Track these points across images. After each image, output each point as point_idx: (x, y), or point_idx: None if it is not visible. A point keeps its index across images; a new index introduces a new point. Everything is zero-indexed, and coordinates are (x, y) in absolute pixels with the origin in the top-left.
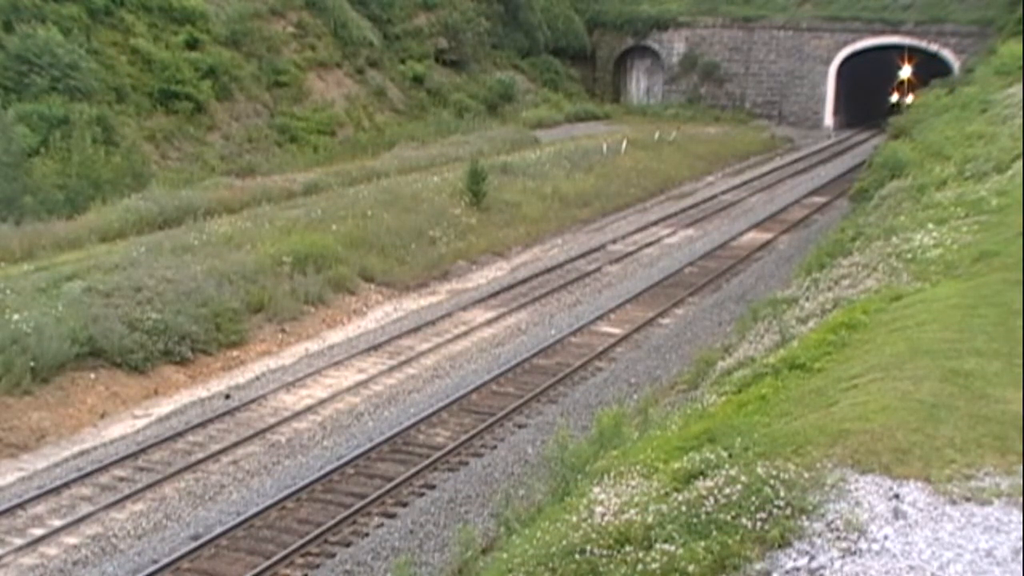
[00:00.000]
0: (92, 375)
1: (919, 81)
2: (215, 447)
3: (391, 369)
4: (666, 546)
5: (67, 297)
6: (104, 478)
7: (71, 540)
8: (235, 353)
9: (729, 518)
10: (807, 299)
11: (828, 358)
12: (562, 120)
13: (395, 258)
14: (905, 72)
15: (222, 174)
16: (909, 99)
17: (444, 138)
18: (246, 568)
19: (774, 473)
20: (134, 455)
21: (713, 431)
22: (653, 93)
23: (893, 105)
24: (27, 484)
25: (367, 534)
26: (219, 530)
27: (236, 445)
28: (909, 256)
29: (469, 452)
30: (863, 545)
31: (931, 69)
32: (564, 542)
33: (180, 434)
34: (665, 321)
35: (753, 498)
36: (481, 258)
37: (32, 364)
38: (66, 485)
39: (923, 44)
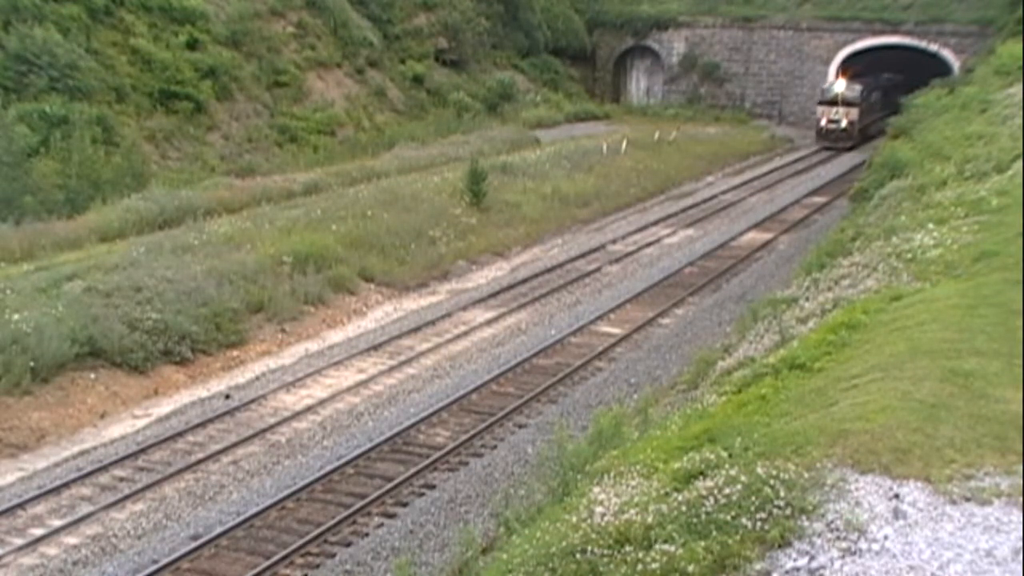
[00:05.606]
0: (92, 375)
1: (870, 101)
2: (215, 447)
3: (391, 369)
4: (666, 546)
5: (67, 297)
6: (104, 478)
7: (71, 540)
8: (235, 353)
9: (729, 518)
10: (807, 299)
11: (828, 358)
12: (562, 120)
13: (395, 258)
14: (839, 87)
15: (222, 174)
16: (844, 123)
17: (444, 138)
18: (246, 568)
19: (774, 473)
20: (134, 455)
21: (713, 431)
22: (653, 93)
23: (821, 130)
24: (27, 484)
25: (367, 534)
26: (219, 530)
27: (236, 445)
28: (909, 256)
29: (469, 452)
30: (863, 545)
31: (903, 81)
32: (564, 542)
33: (180, 434)
34: (665, 321)
35: (753, 498)
36: (481, 258)
37: (32, 364)
38: (66, 485)
39: (923, 44)
